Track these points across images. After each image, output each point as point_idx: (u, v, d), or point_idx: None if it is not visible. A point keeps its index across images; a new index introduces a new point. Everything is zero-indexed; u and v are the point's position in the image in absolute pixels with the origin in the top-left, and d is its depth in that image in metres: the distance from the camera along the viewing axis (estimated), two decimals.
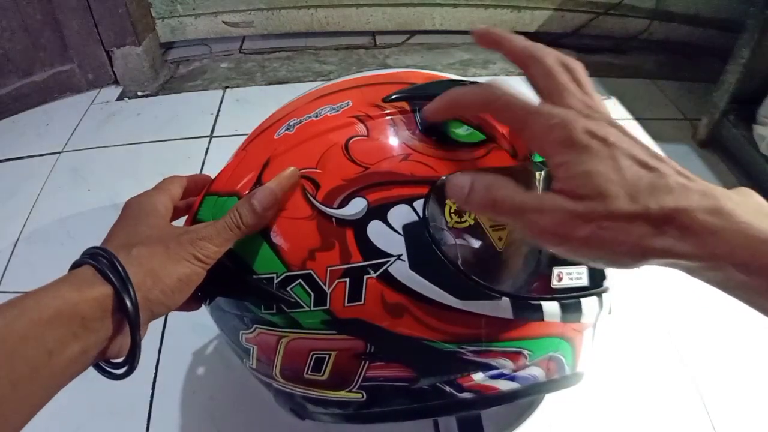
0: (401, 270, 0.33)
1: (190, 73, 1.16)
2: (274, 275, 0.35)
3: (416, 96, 0.38)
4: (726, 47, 0.90)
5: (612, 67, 1.22)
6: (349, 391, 0.37)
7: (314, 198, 0.34)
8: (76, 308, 0.27)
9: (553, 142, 0.26)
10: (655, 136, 0.99)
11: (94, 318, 0.27)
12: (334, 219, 0.34)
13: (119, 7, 1.00)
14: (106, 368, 0.31)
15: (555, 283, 0.36)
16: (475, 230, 0.35)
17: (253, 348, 0.40)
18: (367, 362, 0.36)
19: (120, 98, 1.07)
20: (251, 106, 1.04)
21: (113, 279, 0.28)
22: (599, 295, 0.37)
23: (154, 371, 0.59)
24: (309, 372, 0.37)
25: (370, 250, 0.33)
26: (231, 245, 0.34)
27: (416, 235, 0.33)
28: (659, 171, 0.25)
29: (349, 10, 1.23)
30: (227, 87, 1.10)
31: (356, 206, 0.34)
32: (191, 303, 0.41)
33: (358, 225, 0.33)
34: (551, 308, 0.35)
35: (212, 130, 0.98)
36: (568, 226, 0.25)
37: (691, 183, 0.24)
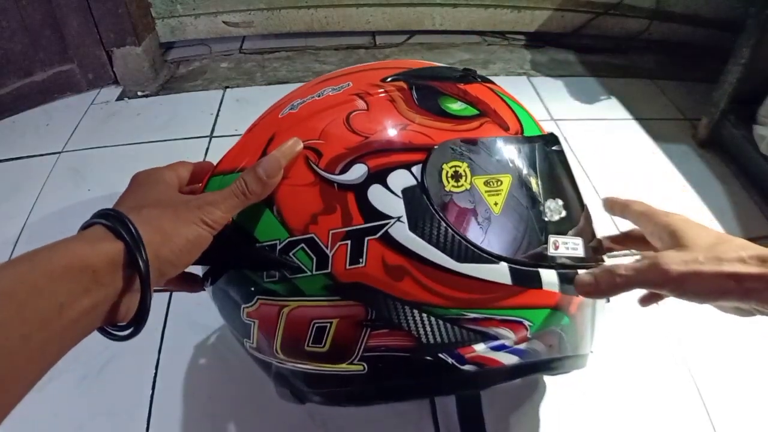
0: (401, 232, 0.34)
1: (190, 73, 1.16)
2: (277, 242, 0.36)
3: (413, 76, 0.41)
4: (726, 47, 0.90)
5: (612, 67, 1.22)
6: (351, 363, 0.37)
7: (317, 165, 0.36)
8: (87, 262, 0.27)
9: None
10: (655, 136, 0.99)
11: (105, 272, 0.28)
12: (335, 184, 0.35)
13: (119, 7, 1.00)
14: (112, 331, 0.31)
15: (551, 251, 0.37)
16: (472, 194, 0.36)
17: (254, 323, 0.39)
18: (369, 330, 0.36)
19: (120, 98, 1.07)
20: (251, 106, 1.04)
21: (124, 235, 0.28)
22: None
23: (154, 371, 0.59)
24: (310, 344, 0.37)
25: (370, 213, 0.34)
26: (236, 212, 0.35)
27: (415, 198, 0.34)
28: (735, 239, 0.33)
29: (349, 10, 1.23)
30: (227, 87, 1.10)
31: (357, 172, 0.35)
32: (194, 284, 0.42)
33: (359, 189, 0.35)
34: (549, 277, 0.36)
35: (212, 130, 0.98)
36: (678, 270, 0.32)
37: None
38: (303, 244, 0.35)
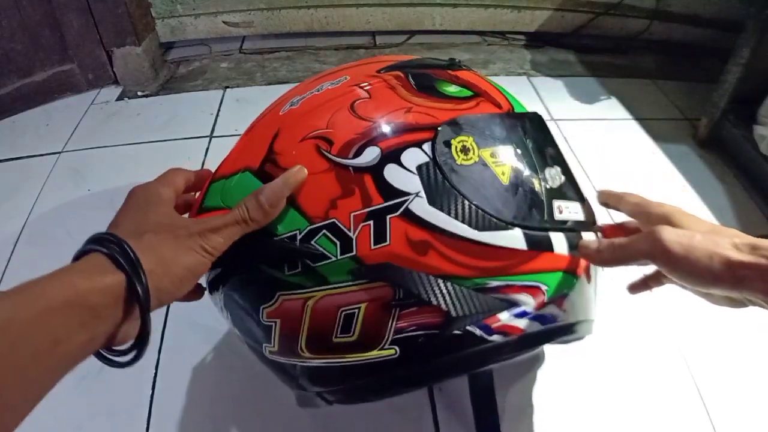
0: (421, 206, 0.35)
1: (190, 73, 1.16)
2: (297, 232, 0.36)
3: (406, 66, 0.43)
4: (726, 47, 0.90)
5: (612, 67, 1.22)
6: (382, 349, 0.37)
7: (329, 153, 0.36)
8: (86, 297, 0.26)
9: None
10: (655, 136, 0.99)
11: (104, 307, 0.27)
12: (351, 168, 0.36)
13: (119, 7, 1.00)
14: (109, 356, 0.30)
15: (557, 215, 0.39)
16: (481, 166, 0.37)
17: (276, 323, 0.39)
18: (398, 310, 0.36)
19: (120, 98, 1.07)
20: (251, 106, 1.04)
21: (126, 267, 0.28)
22: (596, 233, 0.41)
23: (154, 371, 0.59)
24: (338, 334, 0.37)
25: (389, 191, 0.35)
26: (236, 238, 0.34)
27: (430, 173, 0.36)
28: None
29: (349, 10, 1.23)
30: (227, 87, 1.10)
31: (371, 154, 0.36)
32: (194, 293, 0.41)
33: (375, 170, 0.36)
34: (558, 240, 0.38)
35: (212, 130, 0.98)
36: (671, 240, 0.32)
37: None
38: (325, 230, 0.35)
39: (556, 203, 0.39)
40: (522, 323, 0.38)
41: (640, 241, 0.34)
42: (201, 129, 0.98)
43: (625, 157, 0.94)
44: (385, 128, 0.37)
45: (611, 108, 1.07)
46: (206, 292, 0.42)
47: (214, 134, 0.97)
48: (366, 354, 0.37)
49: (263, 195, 0.34)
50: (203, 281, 0.42)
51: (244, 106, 1.05)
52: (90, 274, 0.27)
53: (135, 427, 0.55)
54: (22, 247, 0.75)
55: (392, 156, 0.36)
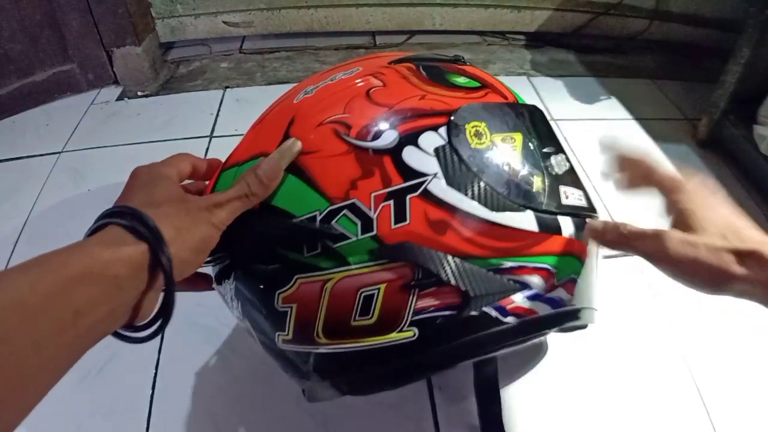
0: (439, 186, 0.36)
1: (190, 73, 1.16)
2: (317, 213, 0.36)
3: (415, 59, 0.44)
4: (726, 47, 0.90)
5: (612, 67, 1.22)
6: (400, 331, 0.37)
7: (348, 136, 0.37)
8: (108, 267, 0.26)
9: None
10: (655, 136, 0.99)
11: (127, 277, 0.26)
12: (370, 150, 0.37)
13: (119, 7, 1.00)
14: (126, 333, 0.30)
15: (564, 200, 0.40)
16: (494, 150, 0.39)
17: (292, 309, 0.38)
18: (417, 291, 0.36)
19: (120, 98, 1.07)
20: (251, 106, 1.04)
21: (148, 236, 0.27)
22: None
23: (154, 371, 0.59)
24: (357, 317, 0.37)
25: (408, 172, 0.36)
26: (239, 213, 0.35)
27: (446, 155, 0.37)
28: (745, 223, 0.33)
29: (349, 10, 1.23)
30: (227, 87, 1.10)
31: (389, 137, 0.37)
32: (204, 282, 0.41)
33: (394, 152, 0.37)
34: (566, 224, 0.40)
35: (212, 130, 0.98)
36: (676, 250, 0.32)
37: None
38: (346, 210, 0.36)
39: (563, 189, 0.40)
40: (534, 305, 0.39)
41: (645, 241, 0.34)
42: (201, 129, 0.98)
43: None
44: (402, 113, 0.38)
45: (611, 108, 1.07)
46: (201, 292, 0.42)
47: (214, 134, 0.97)
48: (384, 337, 0.37)
49: (261, 170, 0.35)
50: (208, 271, 0.42)
51: (244, 106, 1.05)
52: (110, 245, 0.27)
53: (135, 427, 0.55)
54: (22, 247, 0.75)
55: (410, 139, 0.37)
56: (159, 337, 0.64)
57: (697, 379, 0.60)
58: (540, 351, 0.61)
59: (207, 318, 0.63)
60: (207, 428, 0.55)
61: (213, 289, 0.42)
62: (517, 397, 0.57)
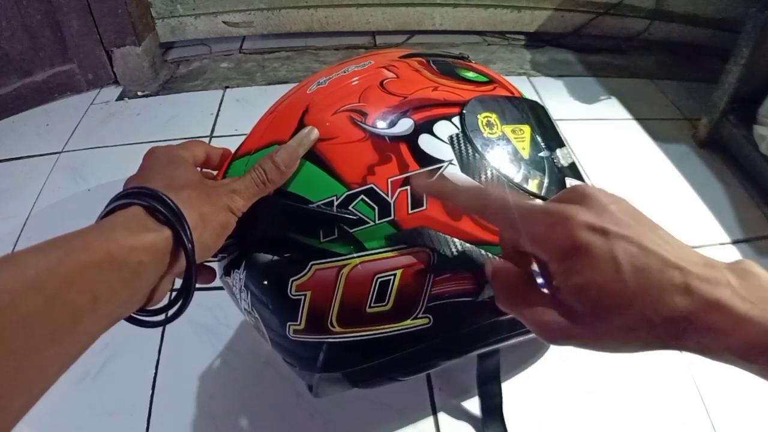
0: (454, 173, 0.37)
1: (190, 73, 1.16)
2: (334, 197, 0.36)
3: (428, 54, 0.46)
4: (726, 47, 0.90)
5: (612, 67, 1.22)
6: (416, 318, 0.37)
7: (364, 123, 0.38)
8: (131, 254, 0.25)
9: (552, 245, 0.25)
10: (655, 136, 0.99)
11: (148, 264, 0.26)
12: (386, 137, 0.38)
13: (119, 7, 1.00)
14: (141, 317, 0.29)
15: None
16: (505, 140, 0.40)
17: (305, 296, 0.38)
18: (432, 276, 0.36)
19: (120, 98, 1.07)
20: (251, 106, 1.04)
21: (172, 221, 0.27)
22: None
23: (154, 371, 0.59)
24: (372, 304, 0.37)
25: (424, 159, 0.37)
26: (255, 200, 0.35)
27: (460, 143, 0.38)
28: (662, 263, 0.23)
29: (349, 10, 1.23)
30: (227, 87, 1.10)
31: (405, 125, 0.38)
32: (208, 274, 0.40)
33: (410, 139, 0.38)
34: None
35: (212, 130, 0.98)
36: (566, 335, 0.25)
37: (692, 277, 0.23)
38: (363, 195, 0.36)
39: (568, 180, 0.41)
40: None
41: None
42: (201, 129, 0.98)
43: (625, 157, 0.94)
44: (416, 102, 0.39)
45: (611, 108, 1.07)
46: (201, 292, 0.42)
47: (214, 134, 0.97)
48: (399, 324, 0.37)
49: (278, 157, 0.35)
50: (214, 265, 0.42)
51: (244, 106, 1.05)
52: (133, 230, 0.26)
53: (135, 427, 0.55)
54: (22, 247, 0.75)
55: (425, 127, 0.38)
56: (158, 337, 0.64)
57: (698, 380, 0.60)
58: (542, 347, 0.61)
59: (207, 318, 0.63)
60: (207, 428, 0.55)
61: (213, 281, 0.42)
62: (518, 392, 0.57)
